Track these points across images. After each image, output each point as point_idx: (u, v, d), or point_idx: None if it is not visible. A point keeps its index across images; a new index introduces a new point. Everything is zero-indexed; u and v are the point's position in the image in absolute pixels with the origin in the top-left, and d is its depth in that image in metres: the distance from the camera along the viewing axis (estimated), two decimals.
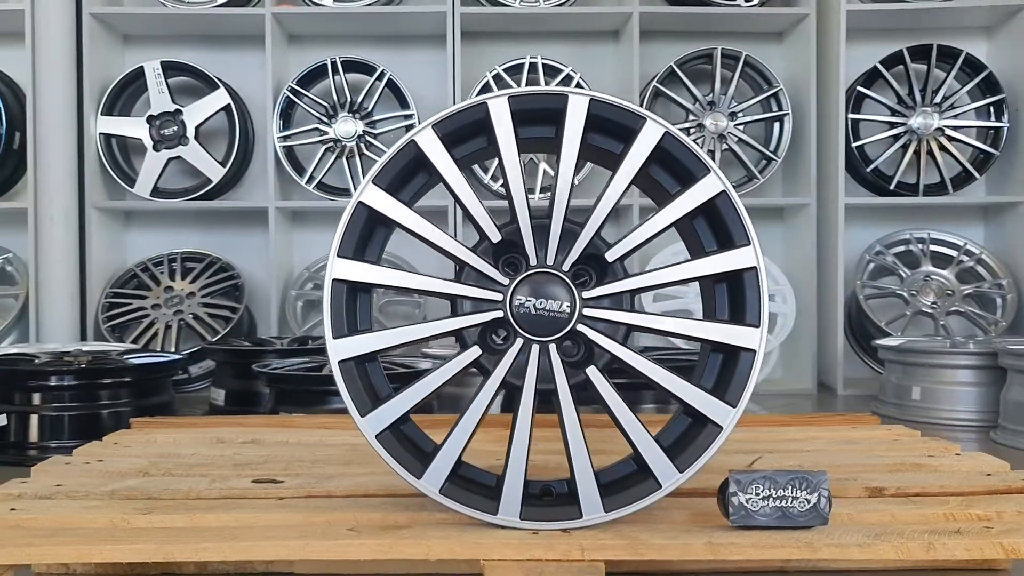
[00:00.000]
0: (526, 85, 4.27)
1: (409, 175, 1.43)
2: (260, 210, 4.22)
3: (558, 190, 1.40)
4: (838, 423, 2.32)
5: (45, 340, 3.99)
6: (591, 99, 1.40)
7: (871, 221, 4.51)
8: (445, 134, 1.40)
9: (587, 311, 1.39)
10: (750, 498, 1.35)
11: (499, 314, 1.39)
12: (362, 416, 1.37)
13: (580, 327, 1.39)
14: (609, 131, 1.43)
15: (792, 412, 3.79)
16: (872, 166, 4.28)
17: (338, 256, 1.38)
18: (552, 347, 1.39)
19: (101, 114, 4.15)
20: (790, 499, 1.35)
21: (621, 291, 1.40)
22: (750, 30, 4.55)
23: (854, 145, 4.28)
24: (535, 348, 1.39)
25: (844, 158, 4.23)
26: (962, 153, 4.28)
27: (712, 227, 1.43)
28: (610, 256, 1.40)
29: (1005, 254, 4.37)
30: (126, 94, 4.22)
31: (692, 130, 4.35)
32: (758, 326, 1.38)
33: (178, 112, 4.17)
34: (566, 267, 1.40)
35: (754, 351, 1.38)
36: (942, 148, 4.27)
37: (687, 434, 1.40)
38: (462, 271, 1.41)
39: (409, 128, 4.22)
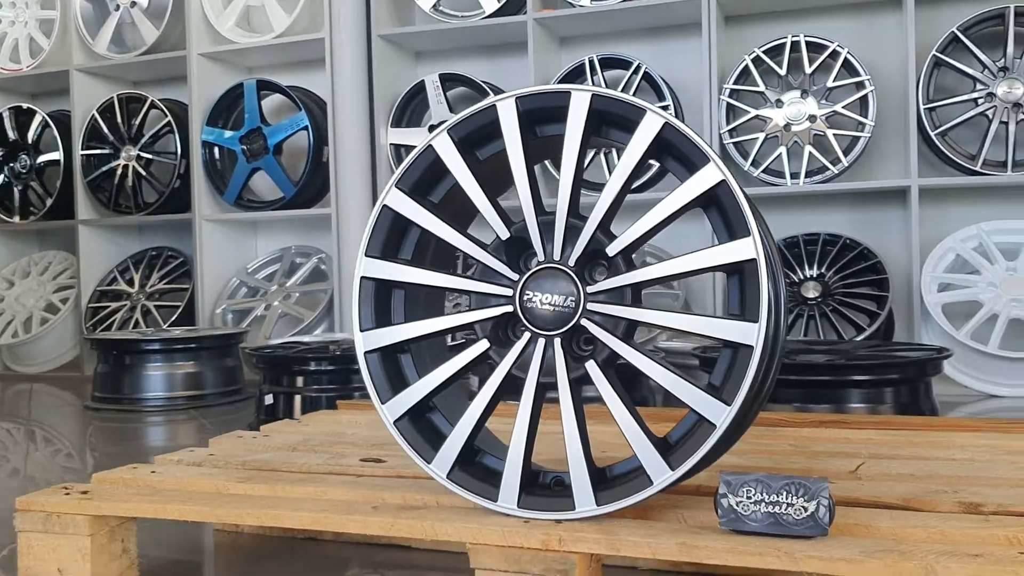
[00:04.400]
0: (788, 65, 4.09)
1: (436, 177, 1.52)
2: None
3: (561, 185, 1.42)
4: None
5: (345, 330, 4.53)
6: (593, 95, 1.40)
7: None
8: (461, 137, 1.48)
9: (591, 306, 1.40)
10: (740, 501, 1.28)
11: (509, 308, 1.44)
12: (383, 403, 1.49)
13: (584, 321, 1.40)
14: (622, 125, 1.42)
15: None
16: None
17: (366, 255, 1.51)
18: (557, 341, 1.41)
19: (390, 126, 4.62)
20: (784, 506, 1.26)
21: (622, 285, 1.39)
22: None
23: None
24: (540, 341, 1.42)
25: None
26: None
27: (721, 219, 1.37)
28: (610, 251, 1.39)
29: None
30: (412, 106, 4.65)
31: (981, 100, 3.90)
32: (756, 321, 1.30)
33: None
34: (572, 262, 1.42)
35: (751, 347, 1.30)
36: None
37: (690, 432, 1.36)
38: (477, 268, 1.48)
39: None
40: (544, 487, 1.45)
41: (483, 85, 4.45)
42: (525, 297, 1.43)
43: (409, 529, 1.41)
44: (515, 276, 1.45)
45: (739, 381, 1.31)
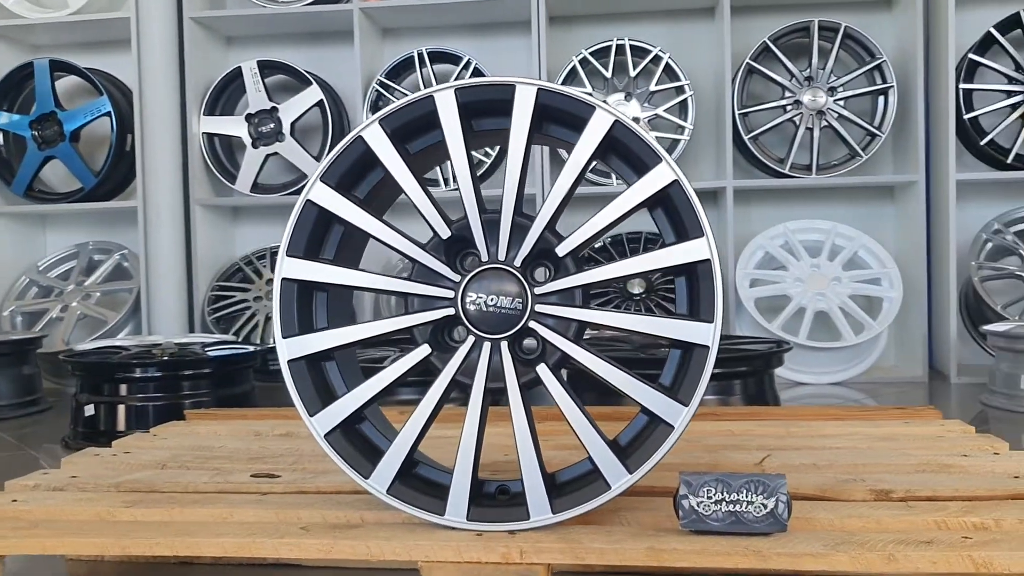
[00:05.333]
0: (613, 67, 4.19)
1: (363, 170, 1.43)
2: None
3: (507, 183, 1.37)
4: (893, 417, 2.19)
5: (156, 332, 4.22)
6: (539, 89, 1.36)
7: (988, 197, 4.21)
8: (394, 129, 1.39)
9: (539, 307, 1.36)
10: (701, 501, 1.28)
11: (450, 311, 1.37)
12: (311, 415, 1.38)
13: (532, 324, 1.35)
14: (565, 122, 1.38)
15: (900, 401, 3.60)
16: (987, 139, 3.99)
17: (287, 255, 1.39)
18: (504, 344, 1.36)
19: (203, 114, 4.34)
20: (745, 504, 1.27)
21: (571, 287, 1.35)
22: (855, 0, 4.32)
23: (967, 117, 3.99)
24: (486, 346, 1.36)
25: (955, 131, 3.97)
26: None
27: (669, 219, 1.36)
28: (560, 251, 1.36)
29: None
30: (227, 94, 4.39)
31: (789, 107, 4.16)
32: (711, 321, 1.31)
33: (274, 110, 4.30)
34: (518, 262, 1.37)
35: (707, 347, 1.31)
36: None
37: (643, 433, 1.35)
38: (414, 268, 1.40)
39: None
40: (489, 497, 1.39)
41: (305, 74, 4.27)
42: (468, 299, 1.37)
43: (352, 550, 1.31)
44: (456, 277, 1.38)
45: (695, 381, 1.31)
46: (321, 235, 1.43)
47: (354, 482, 1.63)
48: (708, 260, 1.32)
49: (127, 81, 4.42)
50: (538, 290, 1.36)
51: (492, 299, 1.36)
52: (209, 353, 3.14)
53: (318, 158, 4.29)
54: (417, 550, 1.29)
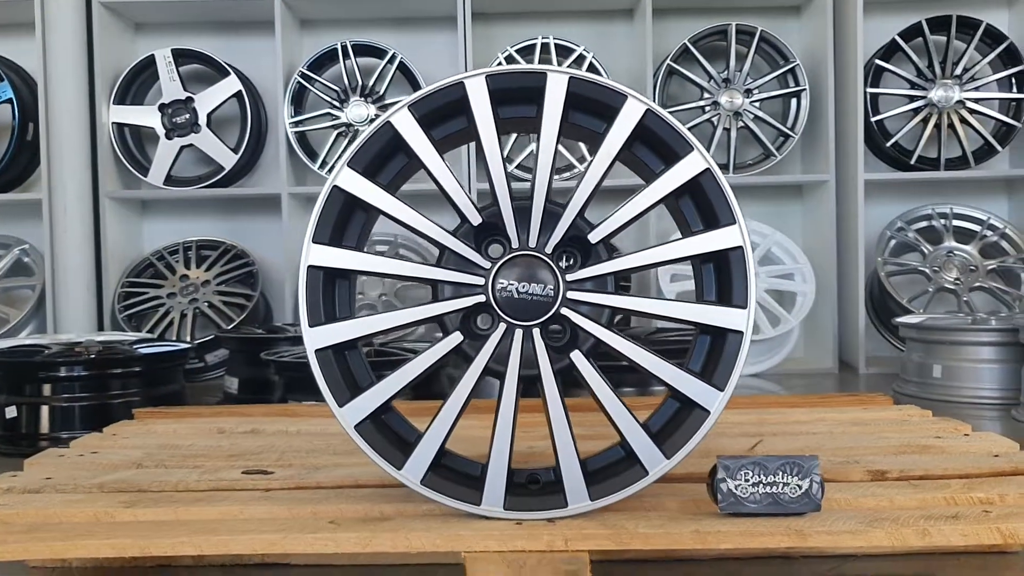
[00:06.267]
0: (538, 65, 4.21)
1: (387, 157, 1.40)
2: (273, 196, 4.20)
3: (538, 171, 1.36)
4: (850, 404, 2.28)
5: (62, 331, 4.01)
6: (571, 77, 1.36)
7: (892, 197, 4.43)
8: (422, 115, 1.37)
9: (571, 294, 1.36)
10: (739, 484, 1.31)
11: (481, 298, 1.36)
12: (340, 406, 1.34)
13: (564, 310, 1.35)
14: (592, 110, 1.39)
15: (813, 391, 3.74)
16: (892, 141, 4.19)
17: (313, 242, 1.35)
18: (536, 331, 1.35)
19: (113, 103, 4.15)
20: (781, 485, 1.31)
21: (604, 273, 1.36)
22: (767, 5, 4.47)
23: (873, 120, 4.18)
24: (518, 333, 1.35)
25: (863, 133, 4.15)
26: (984, 126, 4.17)
27: (698, 206, 1.38)
28: (592, 237, 1.36)
29: None
30: (138, 82, 4.22)
31: (707, 108, 4.27)
32: (745, 307, 1.34)
33: (190, 100, 4.16)
34: (549, 249, 1.36)
35: (741, 333, 1.33)
36: (963, 121, 4.17)
37: (675, 419, 1.36)
38: (443, 255, 1.38)
39: None
40: (520, 486, 1.38)
41: (224, 64, 4.14)
42: (498, 286, 1.35)
43: (392, 543, 1.28)
44: (487, 264, 1.37)
45: (729, 367, 1.33)
46: (345, 222, 1.39)
47: (354, 477, 1.61)
48: (740, 247, 1.34)
49: (30, 67, 4.19)
50: (570, 276, 1.36)
51: (524, 286, 1.35)
52: (140, 350, 3.00)
53: (236, 150, 4.16)
54: (459, 541, 1.28)
